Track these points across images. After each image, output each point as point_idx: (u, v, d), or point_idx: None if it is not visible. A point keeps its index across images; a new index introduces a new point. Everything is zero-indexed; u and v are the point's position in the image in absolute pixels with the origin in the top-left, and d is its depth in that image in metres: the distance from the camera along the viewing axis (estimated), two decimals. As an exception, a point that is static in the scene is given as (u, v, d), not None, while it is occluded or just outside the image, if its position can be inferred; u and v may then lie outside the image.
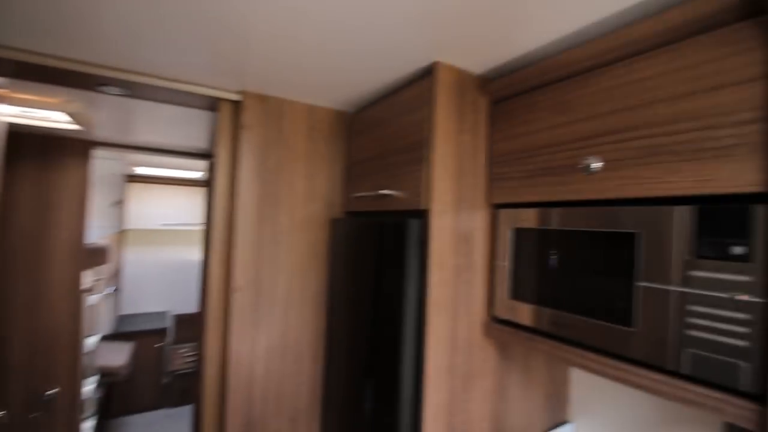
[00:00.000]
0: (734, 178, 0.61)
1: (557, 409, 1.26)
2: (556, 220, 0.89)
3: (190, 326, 3.90)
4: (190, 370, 3.74)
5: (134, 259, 3.92)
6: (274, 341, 1.27)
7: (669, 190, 0.69)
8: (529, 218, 0.95)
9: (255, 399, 1.23)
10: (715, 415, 0.61)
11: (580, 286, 0.83)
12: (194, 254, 4.13)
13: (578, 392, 1.27)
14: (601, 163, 0.79)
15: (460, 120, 1.00)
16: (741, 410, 0.58)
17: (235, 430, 1.20)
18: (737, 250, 0.61)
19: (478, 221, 1.04)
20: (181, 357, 3.82)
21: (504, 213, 1.02)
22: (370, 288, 1.12)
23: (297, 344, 1.32)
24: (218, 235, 1.28)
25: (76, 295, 1.92)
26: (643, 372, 0.70)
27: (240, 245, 1.22)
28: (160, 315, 3.91)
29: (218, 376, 1.25)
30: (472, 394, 1.02)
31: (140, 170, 3.50)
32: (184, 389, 3.76)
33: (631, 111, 0.75)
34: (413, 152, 1.02)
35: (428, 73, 1.00)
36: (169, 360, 3.81)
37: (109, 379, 2.90)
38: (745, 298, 0.60)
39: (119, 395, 3.34)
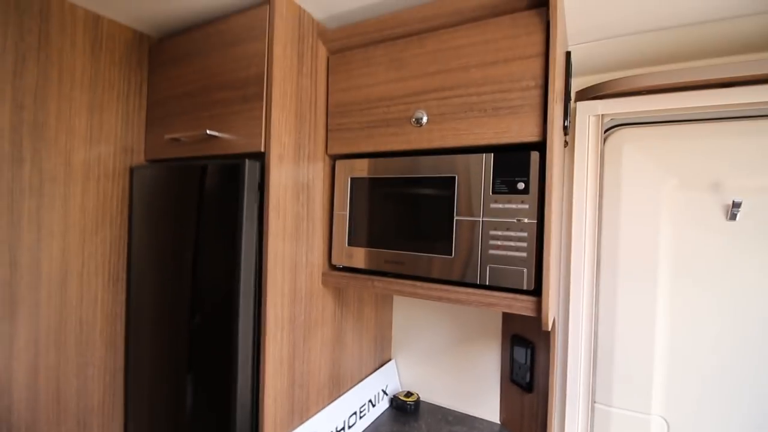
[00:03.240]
0: (521, 130, 0.80)
1: (384, 349, 1.41)
2: (390, 168, 0.96)
3: None
4: None
5: None
6: (43, 330, 0.93)
7: (477, 140, 0.84)
8: (365, 168, 1.00)
9: (17, 407, 0.88)
10: (507, 310, 0.80)
11: (411, 227, 0.93)
12: None
13: (397, 333, 1.46)
14: (427, 117, 0.89)
15: (300, 62, 0.95)
16: (524, 303, 0.78)
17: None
18: (520, 185, 0.80)
19: (317, 171, 1.02)
20: None
21: (341, 163, 1.04)
22: (190, 247, 0.96)
23: (82, 329, 1.00)
24: None
25: None
26: (460, 289, 0.85)
27: (-29, 197, 0.82)
28: None
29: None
30: (312, 345, 1.02)
31: None
32: None
33: (452, 72, 0.87)
34: (246, 88, 0.90)
35: (264, 2, 0.89)
36: None
37: None
38: (525, 220, 0.79)
39: None
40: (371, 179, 0.99)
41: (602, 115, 1.07)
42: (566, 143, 1.11)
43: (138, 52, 1.11)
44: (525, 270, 0.80)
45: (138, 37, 1.11)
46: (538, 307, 0.77)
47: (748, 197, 0.95)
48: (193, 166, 0.96)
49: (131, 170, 1.11)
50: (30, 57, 0.90)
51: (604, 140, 1.09)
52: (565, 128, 0.98)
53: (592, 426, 1.10)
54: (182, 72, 1.04)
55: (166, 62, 1.08)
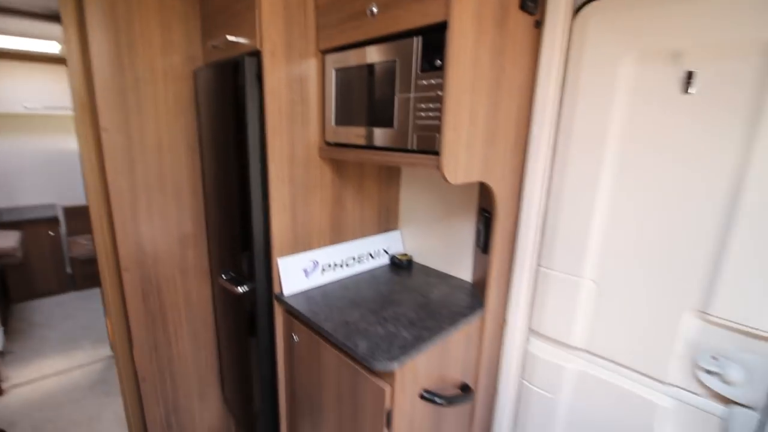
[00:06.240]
0: (437, 11, 0.92)
1: (389, 220, 1.73)
2: (357, 58, 1.17)
3: (85, 218, 3.83)
4: (94, 256, 3.80)
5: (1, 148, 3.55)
6: (150, 178, 1.49)
7: (409, 24, 0.99)
8: (343, 59, 1.22)
9: (142, 229, 1.50)
10: (423, 168, 1.02)
11: (369, 105, 1.16)
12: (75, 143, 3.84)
13: (403, 208, 1.75)
14: (377, 8, 1.06)
15: (287, -30, 1.17)
16: (433, 161, 0.99)
17: (132, 278, 1.48)
18: (438, 62, 0.96)
19: (310, 65, 1.29)
20: (82, 246, 3.82)
21: (328, 57, 1.28)
22: (222, 127, 1.36)
23: (175, 181, 1.55)
24: (78, 87, 1.35)
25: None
26: (396, 154, 1.09)
27: (100, 89, 1.33)
28: (48, 207, 3.74)
29: (106, 220, 1.46)
30: (312, 200, 1.39)
31: (-23, 39, 2.97)
32: (93, 274, 3.86)
33: (397, -37, 1.00)
34: (247, -1, 1.18)
35: None
36: (67, 248, 3.80)
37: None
38: (439, 93, 0.96)
39: (18, 281, 3.35)
40: (345, 68, 1.22)
41: (574, -11, 1.06)
42: (537, 23, 1.14)
43: (191, -23, 1.45)
44: (437, 135, 0.99)
45: (189, -35, 1.44)
46: (438, 163, 0.97)
47: (706, 67, 0.91)
48: (217, 65, 1.32)
49: (194, 73, 1.53)
50: (118, -4, 1.31)
51: (573, 18, 1.09)
52: (525, 4, 1.03)
53: (535, 285, 1.29)
54: (217, -10, 1.36)
55: (208, -16, 1.41)
